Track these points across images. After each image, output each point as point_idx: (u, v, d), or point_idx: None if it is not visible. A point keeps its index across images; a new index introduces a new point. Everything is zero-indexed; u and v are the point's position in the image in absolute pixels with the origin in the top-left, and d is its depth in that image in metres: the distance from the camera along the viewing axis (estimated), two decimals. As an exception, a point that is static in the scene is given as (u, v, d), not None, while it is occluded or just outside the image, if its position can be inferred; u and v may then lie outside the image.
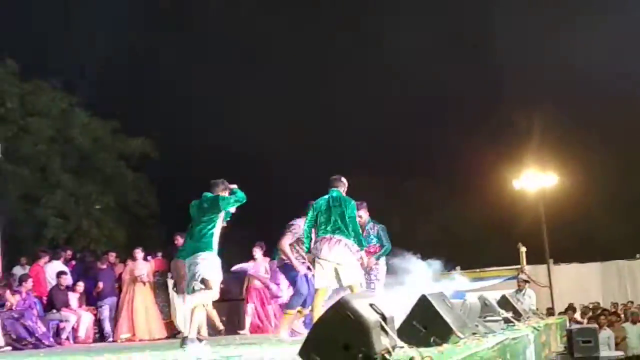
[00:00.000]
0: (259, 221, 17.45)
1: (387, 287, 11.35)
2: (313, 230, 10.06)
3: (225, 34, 34.21)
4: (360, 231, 10.04)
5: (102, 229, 25.58)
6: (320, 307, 9.54)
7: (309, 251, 10.02)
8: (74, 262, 17.06)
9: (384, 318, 5.47)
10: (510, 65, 33.25)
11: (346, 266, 9.76)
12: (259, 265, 15.10)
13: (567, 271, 24.24)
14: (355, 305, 5.22)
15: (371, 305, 5.47)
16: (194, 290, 9.15)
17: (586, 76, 30.95)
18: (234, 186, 9.57)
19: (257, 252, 15.12)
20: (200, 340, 9.51)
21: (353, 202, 10.02)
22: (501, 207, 28.89)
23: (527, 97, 31.20)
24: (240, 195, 9.50)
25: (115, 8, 32.12)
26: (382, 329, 5.37)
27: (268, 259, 14.76)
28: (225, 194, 9.45)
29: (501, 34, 33.36)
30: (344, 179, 10.22)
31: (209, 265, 9.13)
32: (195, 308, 9.13)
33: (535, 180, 26.29)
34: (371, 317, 5.25)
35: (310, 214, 10.05)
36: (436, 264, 12.10)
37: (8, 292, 14.02)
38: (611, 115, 31.19)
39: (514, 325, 9.29)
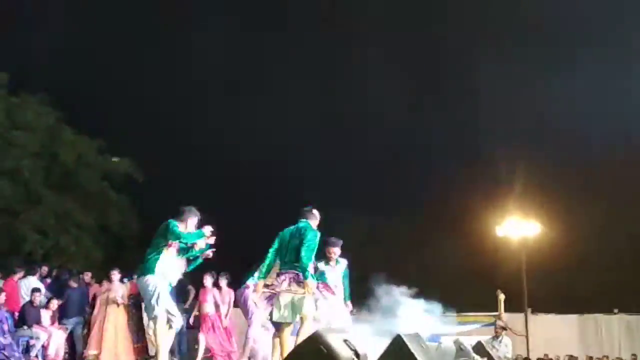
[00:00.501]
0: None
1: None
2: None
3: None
4: (310, 264, 9.73)
5: (81, 247, 25.38)
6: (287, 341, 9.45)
7: (263, 278, 9.85)
8: (48, 280, 16.87)
9: (357, 355, 5.41)
10: (494, 113, 33.44)
11: (298, 298, 9.55)
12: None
13: (545, 321, 24.16)
14: (328, 340, 5.15)
15: (345, 341, 5.40)
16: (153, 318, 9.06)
17: (569, 124, 31.18)
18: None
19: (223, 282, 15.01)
20: None
21: (316, 233, 9.78)
22: (483, 253, 28.88)
23: (509, 144, 31.31)
24: (188, 237, 9.20)
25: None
26: (355, 366, 5.30)
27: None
28: (183, 226, 9.16)
29: (483, 82, 33.57)
30: (315, 212, 9.99)
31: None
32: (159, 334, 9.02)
33: (518, 227, 26.29)
34: (344, 352, 5.18)
35: (275, 243, 9.88)
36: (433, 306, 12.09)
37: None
38: (594, 164, 31.32)
39: (488, 372, 9.22)
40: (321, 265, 11.06)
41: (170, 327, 9.08)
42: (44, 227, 25.00)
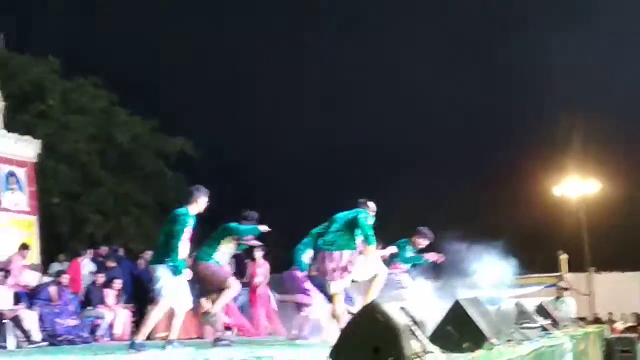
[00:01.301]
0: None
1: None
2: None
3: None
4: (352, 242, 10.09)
5: (141, 227, 25.64)
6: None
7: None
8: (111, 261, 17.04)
9: (414, 322, 5.37)
10: (552, 70, 32.95)
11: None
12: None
13: (608, 280, 23.91)
14: (385, 308, 5.12)
15: (402, 308, 5.37)
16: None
17: (629, 80, 30.61)
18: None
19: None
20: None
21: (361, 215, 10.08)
22: (542, 214, 28.59)
23: (568, 102, 30.85)
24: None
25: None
26: (413, 333, 5.27)
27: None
28: (195, 207, 9.44)
29: (543, 41, 33.10)
30: (370, 204, 10.32)
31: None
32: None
33: (576, 187, 25.98)
34: (401, 320, 5.15)
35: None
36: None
37: (53, 287, 14.12)
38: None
39: (550, 333, 9.13)
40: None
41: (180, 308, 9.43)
42: (104, 208, 25.32)
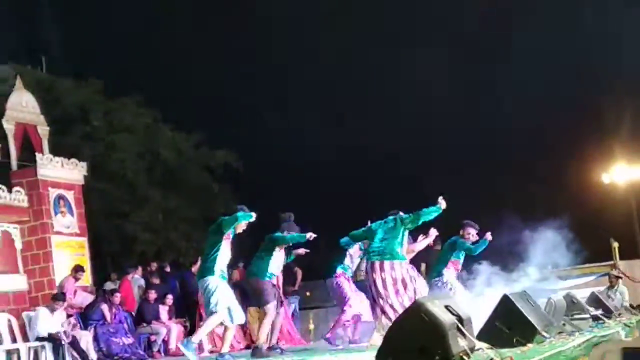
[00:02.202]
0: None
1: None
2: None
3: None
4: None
5: (190, 242, 25.82)
6: None
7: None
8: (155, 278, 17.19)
9: (460, 319, 5.38)
10: (599, 54, 32.59)
11: None
12: None
13: (663, 265, 23.54)
14: (430, 308, 5.14)
15: (447, 307, 5.38)
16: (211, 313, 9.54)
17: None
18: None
19: None
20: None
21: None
22: (591, 203, 28.26)
23: (616, 87, 30.45)
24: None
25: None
26: (459, 330, 5.28)
27: None
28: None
29: (591, 22, 32.72)
30: (401, 213, 10.86)
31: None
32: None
33: (625, 173, 25.69)
34: (447, 319, 5.16)
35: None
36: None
37: (106, 306, 14.32)
38: None
39: (603, 323, 9.07)
40: None
41: (232, 321, 9.60)
42: (153, 225, 25.54)
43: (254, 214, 9.69)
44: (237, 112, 31.71)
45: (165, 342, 14.97)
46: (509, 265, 12.29)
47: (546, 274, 13.99)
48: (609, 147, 27.95)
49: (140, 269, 17.09)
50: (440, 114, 32.04)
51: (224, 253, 9.54)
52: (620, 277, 16.40)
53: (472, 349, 5.38)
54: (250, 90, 33.32)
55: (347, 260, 12.30)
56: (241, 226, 9.75)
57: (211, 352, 14.14)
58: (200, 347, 11.35)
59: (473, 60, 34.03)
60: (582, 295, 10.02)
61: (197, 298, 15.07)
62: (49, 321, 13.27)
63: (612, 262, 21.17)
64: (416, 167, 30.46)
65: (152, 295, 15.32)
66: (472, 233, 12.20)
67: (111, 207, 24.32)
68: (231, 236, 9.74)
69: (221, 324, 9.63)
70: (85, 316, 14.16)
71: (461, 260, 12.27)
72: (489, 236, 12.15)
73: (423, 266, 14.46)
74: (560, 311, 8.47)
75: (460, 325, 5.33)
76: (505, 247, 12.42)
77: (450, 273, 11.94)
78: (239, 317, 9.63)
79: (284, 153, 30.72)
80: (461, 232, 12.27)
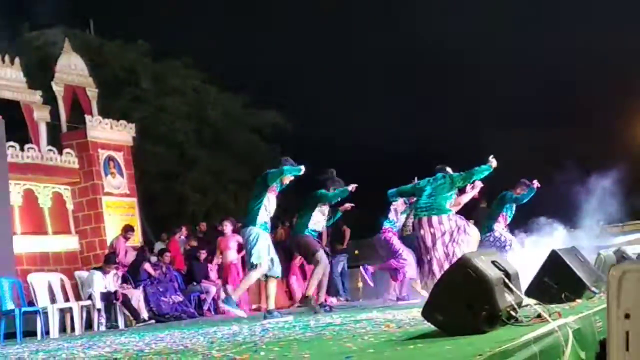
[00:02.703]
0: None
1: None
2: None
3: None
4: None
5: (239, 203, 25.95)
6: None
7: None
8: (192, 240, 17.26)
9: (507, 275, 5.34)
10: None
11: None
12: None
13: None
14: (476, 263, 5.10)
15: (493, 262, 5.34)
16: (252, 266, 9.61)
17: None
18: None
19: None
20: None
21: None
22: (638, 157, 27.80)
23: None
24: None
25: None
26: (506, 285, 5.24)
27: None
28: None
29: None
30: (448, 169, 10.83)
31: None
32: (266, 282, 9.86)
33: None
34: (493, 274, 5.12)
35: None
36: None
37: (148, 264, 14.49)
38: None
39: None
40: None
41: (271, 274, 9.67)
42: (203, 186, 25.72)
43: (302, 167, 9.72)
44: (285, 74, 31.54)
45: (215, 301, 15.10)
46: (564, 221, 12.21)
47: (598, 229, 13.87)
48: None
49: (184, 229, 17.22)
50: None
51: (269, 205, 9.61)
52: (672, 234, 16.18)
53: (520, 304, 5.34)
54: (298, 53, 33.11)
55: (391, 215, 12.23)
56: (288, 178, 9.80)
57: (254, 309, 14.27)
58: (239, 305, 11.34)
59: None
60: (633, 251, 9.88)
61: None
62: (102, 283, 13.47)
63: (665, 218, 20.90)
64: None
65: (203, 254, 15.46)
66: (525, 191, 12.24)
67: (161, 168, 24.53)
68: (277, 190, 9.79)
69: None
70: (134, 275, 14.34)
71: (509, 215, 12.27)
72: (535, 183, 12.13)
73: (471, 223, 14.40)
74: (610, 267, 8.37)
75: (507, 281, 5.29)
76: (560, 201, 12.33)
77: (500, 227, 11.93)
78: (278, 271, 9.73)
79: (330, 117, 30.58)
80: (515, 189, 12.29)
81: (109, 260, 13.92)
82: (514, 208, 12.47)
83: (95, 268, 14.19)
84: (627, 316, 0.87)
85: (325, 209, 11.00)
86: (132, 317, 13.52)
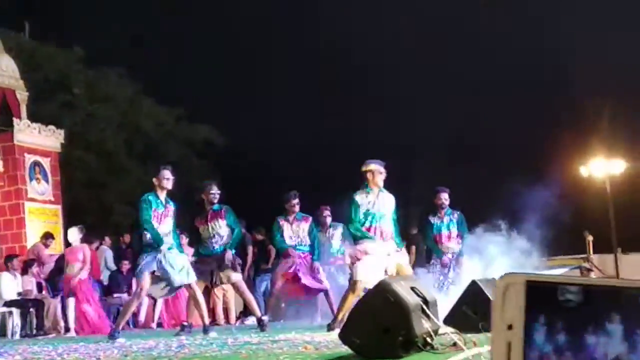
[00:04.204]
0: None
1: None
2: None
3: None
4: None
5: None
6: None
7: None
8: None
9: (425, 301, 5.37)
10: (578, 50, 32.67)
11: None
12: None
13: (636, 261, 23.63)
14: (395, 288, 5.13)
15: (412, 288, 5.38)
16: None
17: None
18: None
19: None
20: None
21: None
22: (568, 195, 28.29)
23: (595, 83, 30.54)
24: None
25: None
26: (424, 312, 5.27)
27: None
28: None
29: (570, 20, 32.81)
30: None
31: None
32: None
33: (602, 167, 25.75)
34: (412, 299, 5.15)
35: None
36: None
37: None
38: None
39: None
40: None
41: None
42: (131, 197, 25.43)
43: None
44: (220, 88, 31.50)
45: (135, 315, 14.92)
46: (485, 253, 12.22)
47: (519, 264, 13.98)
48: (587, 141, 27.99)
49: (107, 239, 17.03)
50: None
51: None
52: (592, 271, 16.50)
53: (436, 332, 5.37)
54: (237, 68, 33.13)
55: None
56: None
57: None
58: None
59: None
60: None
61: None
62: (12, 285, 13.19)
63: (585, 256, 21.29)
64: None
65: (126, 266, 15.28)
66: (443, 197, 12.31)
67: (89, 177, 24.22)
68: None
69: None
70: (53, 284, 14.09)
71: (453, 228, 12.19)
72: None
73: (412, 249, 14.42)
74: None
75: (425, 307, 5.32)
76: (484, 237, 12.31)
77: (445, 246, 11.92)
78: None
79: (267, 133, 30.57)
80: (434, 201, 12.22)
81: (30, 265, 13.68)
82: (455, 220, 12.36)
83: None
84: (509, 327, 0.88)
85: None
86: (49, 326, 13.28)
